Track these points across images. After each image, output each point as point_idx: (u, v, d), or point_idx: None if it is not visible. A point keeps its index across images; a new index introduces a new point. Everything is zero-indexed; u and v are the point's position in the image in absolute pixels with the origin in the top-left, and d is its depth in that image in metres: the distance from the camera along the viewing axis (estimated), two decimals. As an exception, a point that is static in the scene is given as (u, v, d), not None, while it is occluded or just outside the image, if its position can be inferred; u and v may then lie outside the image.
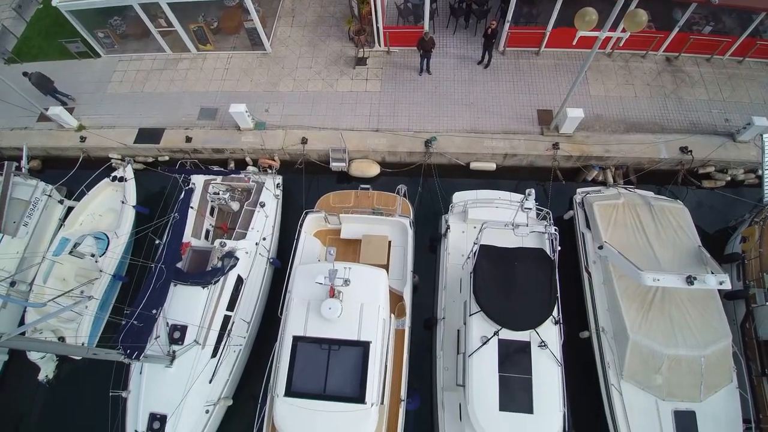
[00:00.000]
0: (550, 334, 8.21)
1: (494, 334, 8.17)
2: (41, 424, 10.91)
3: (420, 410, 9.81)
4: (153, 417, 8.80)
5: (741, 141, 12.50)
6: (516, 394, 7.79)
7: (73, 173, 12.92)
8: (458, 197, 11.14)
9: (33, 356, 10.63)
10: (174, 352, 8.93)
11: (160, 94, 14.72)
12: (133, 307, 8.62)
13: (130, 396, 9.23)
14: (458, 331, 9.45)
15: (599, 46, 9.58)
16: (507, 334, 8.15)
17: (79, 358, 10.81)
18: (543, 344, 8.06)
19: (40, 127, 14.37)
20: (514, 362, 8.02)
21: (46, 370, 10.94)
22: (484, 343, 8.13)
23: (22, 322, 11.16)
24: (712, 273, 8.58)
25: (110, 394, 9.20)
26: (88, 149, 13.96)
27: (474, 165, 12.93)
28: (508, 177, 12.97)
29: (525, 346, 8.13)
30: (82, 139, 13.87)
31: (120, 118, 14.31)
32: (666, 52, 14.06)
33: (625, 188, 11.49)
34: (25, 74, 13.56)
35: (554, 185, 12.70)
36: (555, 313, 8.41)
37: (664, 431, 8.46)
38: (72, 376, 11.22)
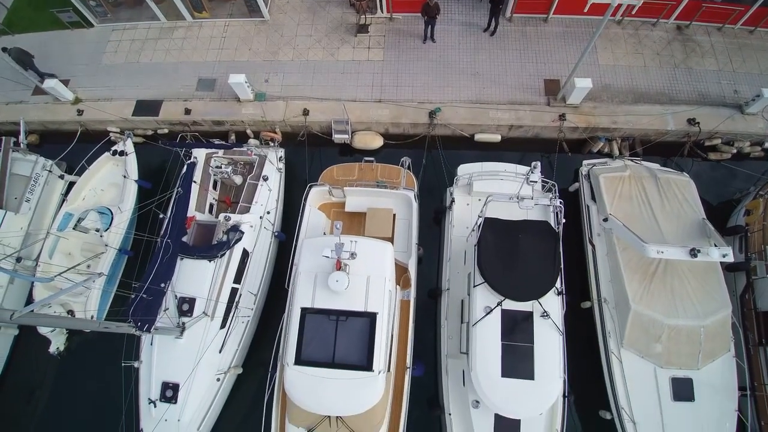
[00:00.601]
0: (552, 304, 8.33)
1: (498, 305, 8.29)
2: (55, 395, 11.25)
3: (425, 377, 10.14)
4: (165, 385, 9.08)
5: (749, 113, 12.30)
6: (518, 362, 7.99)
7: (71, 148, 12.71)
8: (463, 170, 11.07)
9: (43, 330, 10.84)
10: (183, 323, 9.10)
11: (157, 64, 14.32)
12: (142, 281, 8.71)
13: (142, 366, 9.49)
14: (462, 301, 9.61)
15: (611, 13, 9.25)
16: (510, 305, 8.28)
17: (88, 330, 11.00)
18: (545, 314, 8.20)
19: (35, 100, 14.06)
20: (517, 331, 8.18)
21: (57, 342, 11.17)
22: (488, 313, 8.27)
23: (29, 297, 11.32)
24: (716, 246, 8.64)
25: (122, 364, 9.44)
26: (86, 123, 13.71)
27: (479, 137, 12.76)
28: (513, 149, 12.83)
29: (527, 316, 8.27)
30: (80, 112, 13.60)
31: (116, 90, 13.98)
32: (677, 20, 13.61)
33: (632, 160, 11.42)
34: (4, 50, 13.06)
35: (559, 157, 12.58)
36: (558, 284, 8.52)
37: (662, 397, 8.76)
38: (83, 348, 11.48)
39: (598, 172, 10.75)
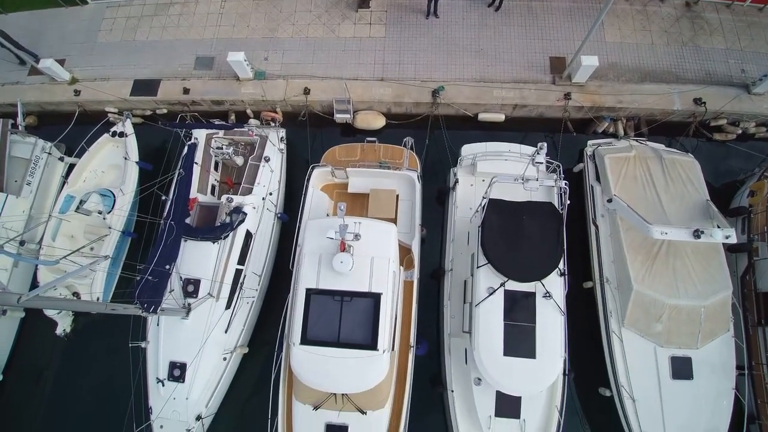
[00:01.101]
0: (554, 285, 8.41)
1: (501, 286, 8.37)
2: (63, 375, 11.42)
3: (428, 355, 10.31)
4: (173, 365, 9.23)
5: (756, 93, 12.10)
6: (520, 341, 8.12)
7: (70, 129, 12.54)
8: (467, 150, 10.97)
9: (49, 312, 10.92)
10: (189, 304, 9.19)
11: (153, 42, 13.99)
12: (146, 263, 8.73)
13: (149, 346, 9.62)
14: (465, 281, 9.69)
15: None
16: (513, 285, 8.35)
17: (95, 312, 11.10)
18: (547, 295, 8.28)
19: (32, 81, 13.79)
20: (519, 311, 8.29)
21: (64, 324, 11.27)
22: (491, 294, 8.35)
23: (34, 281, 11.38)
24: (719, 227, 8.65)
25: (130, 345, 9.58)
26: (84, 103, 13.49)
27: (482, 116, 12.59)
28: (517, 129, 12.66)
29: (530, 297, 8.36)
30: (77, 92, 13.36)
31: (113, 69, 13.69)
32: (687, -5, 13.26)
33: (637, 140, 11.31)
34: None
35: (564, 137, 12.44)
36: (561, 265, 8.56)
37: (661, 375, 8.93)
38: (89, 330, 11.61)
39: (603, 153, 10.65)
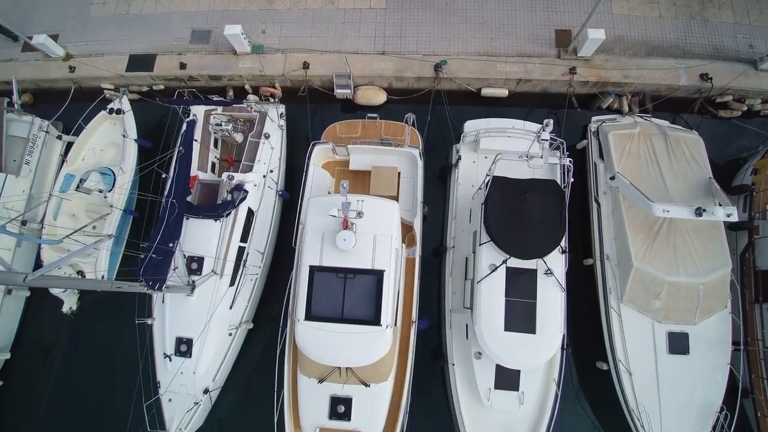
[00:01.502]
0: (556, 262, 8.46)
1: (503, 263, 8.42)
2: (71, 352, 11.65)
3: (430, 330, 10.51)
4: (179, 341, 9.41)
5: (763, 69, 11.88)
6: (520, 317, 8.25)
7: (66, 107, 12.37)
8: (470, 126, 10.84)
9: (55, 290, 11.01)
10: (194, 282, 9.28)
11: (147, 15, 13.57)
12: (150, 241, 8.76)
13: (155, 323, 9.78)
14: (466, 258, 9.75)
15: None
16: (515, 263, 8.41)
17: (100, 289, 11.24)
18: (549, 272, 8.35)
19: (25, 57, 13.48)
20: (520, 288, 8.38)
21: (70, 302, 11.39)
22: (493, 271, 8.42)
23: (38, 260, 11.43)
24: (721, 205, 8.65)
25: (136, 321, 9.72)
26: (79, 80, 13.22)
27: (485, 91, 12.37)
28: (521, 105, 12.48)
29: (531, 274, 8.43)
30: (71, 69, 13.06)
31: (108, 44, 13.35)
32: (698, -37, 12.79)
33: (642, 117, 11.17)
34: None
35: (568, 113, 12.27)
36: (562, 242, 8.59)
37: (657, 350, 9.14)
38: (95, 307, 11.77)
39: (607, 129, 10.54)
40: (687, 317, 9.12)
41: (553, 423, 8.89)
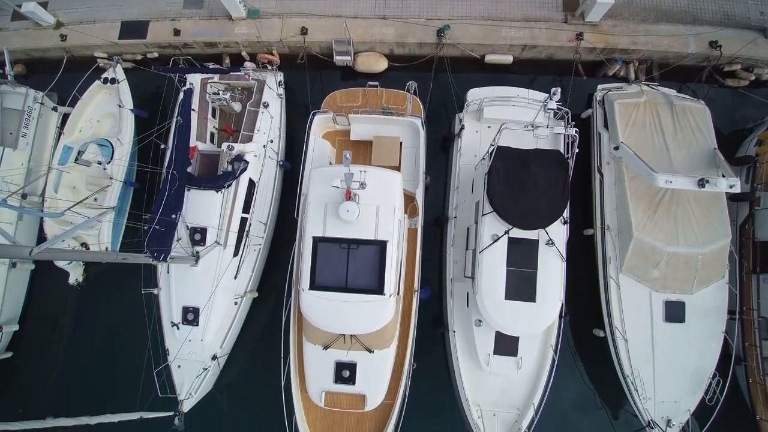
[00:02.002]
0: (557, 233, 8.49)
1: (505, 233, 8.46)
2: (79, 322, 11.86)
3: (431, 299, 10.71)
4: (186, 310, 9.60)
5: (773, 37, 11.58)
6: (521, 286, 8.36)
7: (59, 77, 12.04)
8: (474, 94, 10.62)
9: (60, 263, 11.08)
10: (197, 252, 9.37)
11: (137, -23, 12.96)
12: (153, 213, 8.76)
13: (161, 293, 9.93)
14: (468, 228, 9.82)
15: None
16: (517, 233, 8.44)
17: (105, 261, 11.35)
18: (550, 242, 8.40)
19: (15, 26, 13.01)
20: (522, 258, 8.44)
21: (76, 274, 11.51)
22: (495, 241, 8.47)
23: (41, 233, 11.45)
24: (724, 176, 8.62)
25: (142, 292, 9.86)
26: (71, 49, 12.82)
27: (489, 58, 12.05)
28: (525, 72, 12.20)
29: (533, 244, 8.47)
30: (63, 37, 12.63)
31: (99, 11, 12.85)
32: None
33: (648, 85, 10.97)
34: None
35: (574, 81, 11.99)
36: (565, 213, 8.61)
37: (654, 318, 9.36)
38: (101, 278, 11.90)
39: (613, 98, 10.36)
40: (684, 287, 9.29)
41: (549, 387, 9.22)
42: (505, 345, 9.14)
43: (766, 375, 9.53)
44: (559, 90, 7.61)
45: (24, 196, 11.12)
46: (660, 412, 9.27)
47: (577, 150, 8.21)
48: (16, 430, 6.61)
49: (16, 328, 11.55)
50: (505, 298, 8.33)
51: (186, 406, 9.26)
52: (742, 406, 10.08)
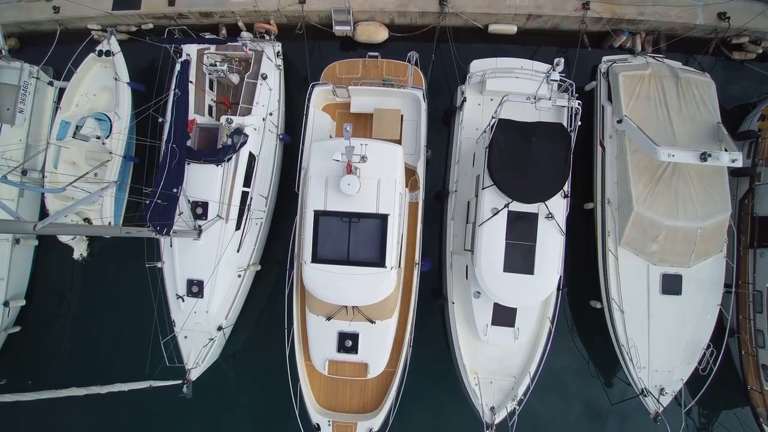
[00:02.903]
0: (557, 206, 8.51)
1: (504, 207, 8.47)
2: (85, 297, 12.05)
3: (431, 271, 10.85)
4: (190, 282, 9.74)
5: (782, 9, 11.27)
6: (519, 258, 8.45)
7: (54, 50, 11.82)
8: (476, 66, 10.41)
9: (64, 238, 11.16)
10: (200, 226, 9.42)
11: (127, -59, 12.48)
12: (153, 187, 8.76)
13: (165, 266, 10.05)
14: (468, 202, 9.84)
15: None
16: (517, 206, 8.45)
17: (109, 236, 11.42)
18: (550, 216, 8.42)
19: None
20: (521, 231, 8.50)
21: (80, 249, 11.60)
22: (495, 214, 8.50)
23: (42, 209, 11.47)
24: (726, 150, 8.56)
25: (146, 265, 10.00)
26: (64, 21, 12.51)
27: (493, 28, 11.76)
28: (529, 43, 11.92)
29: (532, 217, 8.50)
30: (56, 9, 12.31)
31: (91, -20, 12.41)
32: None
33: (654, 57, 10.74)
34: None
35: (578, 52, 11.73)
36: (565, 187, 8.60)
37: (651, 291, 9.52)
38: (105, 253, 12.03)
39: (618, 70, 10.17)
40: (682, 260, 9.39)
41: (545, 356, 9.45)
42: (503, 316, 9.31)
43: (758, 347, 9.77)
44: (563, 60, 7.47)
45: (24, 173, 11.09)
46: (654, 381, 9.55)
47: (579, 122, 8.12)
48: (29, 401, 6.86)
49: (23, 303, 11.74)
50: (504, 271, 8.42)
51: (193, 375, 9.50)
52: (734, 377, 10.39)
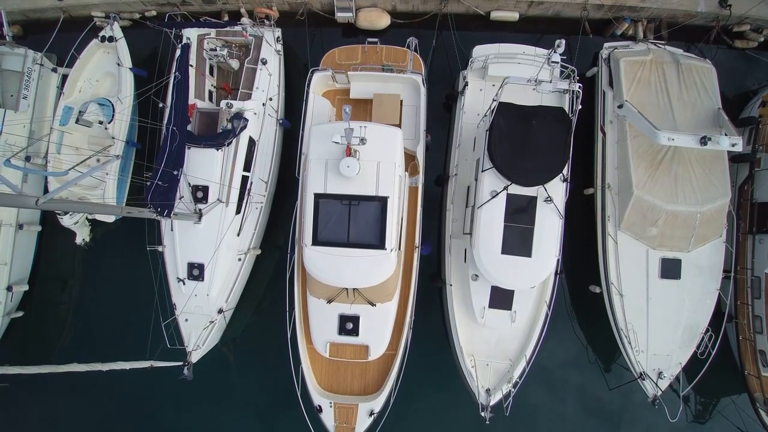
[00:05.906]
0: (556, 190, 8.52)
1: (504, 189, 8.49)
2: (87, 282, 12.15)
3: (431, 255, 10.94)
4: (191, 266, 9.82)
5: (784, -3, 11.20)
6: (517, 241, 8.47)
7: (56, 37, 11.82)
8: (479, 51, 10.40)
9: (66, 222, 11.20)
10: (200, 210, 9.48)
11: (129, -73, 12.46)
12: (155, 168, 8.82)
13: (166, 250, 10.13)
14: (468, 187, 9.87)
15: None
16: (516, 189, 8.47)
17: (111, 221, 11.54)
18: (549, 199, 8.44)
19: (12, -13, 12.63)
20: (520, 214, 8.51)
21: (82, 234, 11.69)
22: (494, 197, 8.51)
23: (45, 193, 11.51)
24: (726, 135, 8.56)
25: (147, 248, 10.08)
26: (68, 8, 12.53)
27: (495, 15, 11.74)
28: (531, 30, 11.93)
29: (532, 200, 8.51)
30: None
31: (94, -35, 12.42)
32: None
33: (655, 44, 10.72)
34: None
35: (580, 40, 11.71)
36: (565, 171, 8.61)
37: (650, 275, 9.55)
38: (107, 237, 12.12)
39: (619, 56, 10.16)
40: (682, 245, 9.42)
41: (542, 340, 9.50)
42: (500, 299, 9.35)
43: (755, 332, 9.81)
44: (564, 42, 7.46)
45: (27, 158, 11.16)
46: (652, 364, 9.61)
47: (580, 106, 8.12)
48: (31, 374, 6.96)
49: (27, 288, 11.84)
50: (502, 253, 8.45)
51: (194, 357, 9.60)
52: (732, 362, 10.46)
